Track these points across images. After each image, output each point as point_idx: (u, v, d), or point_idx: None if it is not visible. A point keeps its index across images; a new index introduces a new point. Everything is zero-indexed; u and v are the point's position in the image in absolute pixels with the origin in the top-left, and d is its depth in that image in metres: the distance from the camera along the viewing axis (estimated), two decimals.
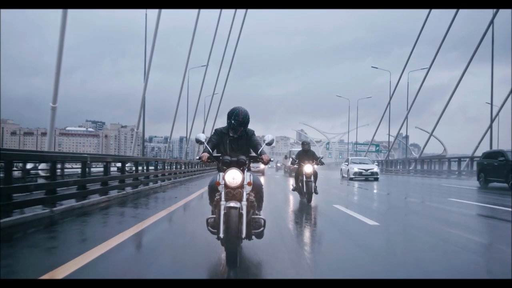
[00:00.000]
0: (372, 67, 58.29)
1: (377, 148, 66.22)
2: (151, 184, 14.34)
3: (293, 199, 10.95)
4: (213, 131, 4.70)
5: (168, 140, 50.28)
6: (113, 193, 10.49)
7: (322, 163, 10.50)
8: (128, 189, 11.75)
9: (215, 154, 4.46)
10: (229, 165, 4.20)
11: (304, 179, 9.85)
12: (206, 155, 4.36)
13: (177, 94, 36.73)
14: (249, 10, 36.54)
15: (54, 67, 16.06)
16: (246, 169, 4.26)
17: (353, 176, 23.82)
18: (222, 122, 58.17)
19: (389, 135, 48.38)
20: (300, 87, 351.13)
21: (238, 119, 4.42)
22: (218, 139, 4.57)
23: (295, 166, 10.58)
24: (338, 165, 60.08)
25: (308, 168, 9.93)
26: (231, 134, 4.55)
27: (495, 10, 27.74)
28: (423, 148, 41.33)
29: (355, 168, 24.17)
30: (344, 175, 25.79)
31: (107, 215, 7.75)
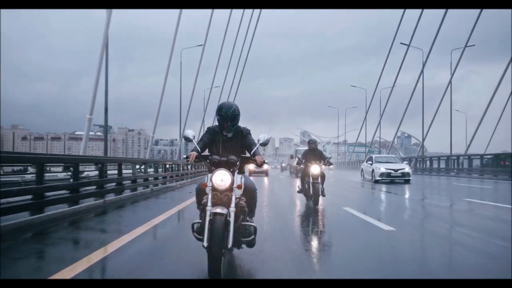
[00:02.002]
0: (351, 85, 56.86)
1: (370, 149, 64.97)
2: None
3: (299, 203, 10.02)
4: (206, 129, 4.20)
5: (179, 143, 48.84)
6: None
7: (330, 164, 9.59)
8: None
9: (204, 153, 3.99)
10: (218, 165, 3.70)
11: (311, 180, 9.07)
12: (194, 154, 3.88)
13: (184, 97, 36.78)
14: (254, 14, 36.51)
15: (92, 83, 17.94)
16: (237, 170, 3.77)
17: (380, 178, 19.26)
18: None
19: (380, 137, 47.63)
20: (303, 89, 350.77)
21: (221, 113, 3.94)
22: (210, 138, 4.09)
23: (301, 166, 9.75)
24: (340, 166, 59.44)
25: (315, 169, 9.11)
26: (224, 133, 4.05)
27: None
28: (421, 145, 40.67)
29: (382, 168, 19.45)
30: (366, 176, 21.35)
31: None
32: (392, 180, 19.19)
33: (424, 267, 4.20)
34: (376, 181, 19.17)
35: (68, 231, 6.42)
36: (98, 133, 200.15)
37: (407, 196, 13.16)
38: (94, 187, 9.55)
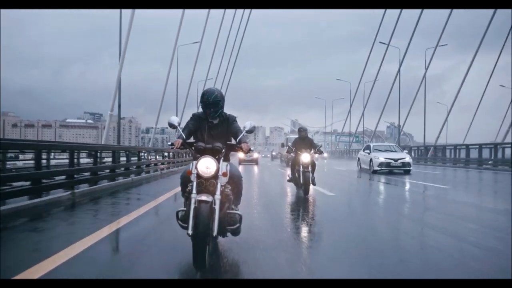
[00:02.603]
0: (336, 79, 57.39)
1: (357, 139, 65.25)
2: None
3: (290, 192, 9.86)
4: (191, 115, 4.12)
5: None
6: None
7: (321, 152, 9.38)
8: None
9: (190, 140, 3.94)
10: (203, 152, 3.64)
11: (301, 169, 8.86)
12: (179, 141, 3.82)
13: (175, 85, 36.76)
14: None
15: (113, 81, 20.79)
16: (223, 158, 3.73)
17: (378, 168, 17.82)
18: None
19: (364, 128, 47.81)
20: (296, 78, 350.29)
21: (203, 100, 3.90)
22: (196, 124, 4.04)
23: (292, 155, 9.57)
24: (332, 155, 59.60)
25: (305, 157, 8.89)
26: (210, 120, 4.00)
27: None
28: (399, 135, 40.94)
29: (381, 158, 17.99)
30: (363, 166, 19.84)
31: None
32: (391, 170, 17.78)
33: None
34: (374, 172, 17.86)
35: (124, 193, 9.92)
36: (89, 121, 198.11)
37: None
38: (108, 170, 11.38)
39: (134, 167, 13.88)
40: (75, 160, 9.86)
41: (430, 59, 34.42)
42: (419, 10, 33.40)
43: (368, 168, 18.69)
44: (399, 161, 17.87)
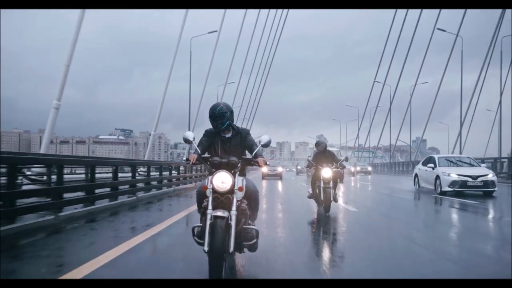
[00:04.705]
0: (347, 105, 57.41)
1: (373, 154, 63.08)
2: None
3: (312, 210, 8.95)
4: (204, 132, 4.03)
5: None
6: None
7: (343, 167, 8.74)
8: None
9: (205, 156, 3.82)
10: (219, 167, 3.52)
11: (322, 184, 8.21)
12: (194, 156, 3.72)
13: (203, 102, 37.53)
14: (277, 18, 37.64)
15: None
16: (238, 172, 3.57)
17: (449, 189, 13.03)
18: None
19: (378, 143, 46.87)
20: (323, 93, 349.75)
21: (210, 114, 3.81)
22: (209, 140, 3.93)
23: (312, 169, 8.82)
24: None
25: (326, 172, 8.19)
26: (222, 134, 3.88)
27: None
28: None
29: (453, 175, 13.11)
30: (423, 184, 15.04)
31: None
32: (465, 191, 13.14)
33: None
34: (443, 193, 13.11)
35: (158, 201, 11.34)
36: (121, 137, 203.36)
37: None
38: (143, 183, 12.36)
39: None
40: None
41: (461, 72, 33.25)
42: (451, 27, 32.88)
43: (433, 188, 13.92)
44: (479, 179, 12.93)
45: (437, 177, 13.63)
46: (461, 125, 33.60)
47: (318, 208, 8.81)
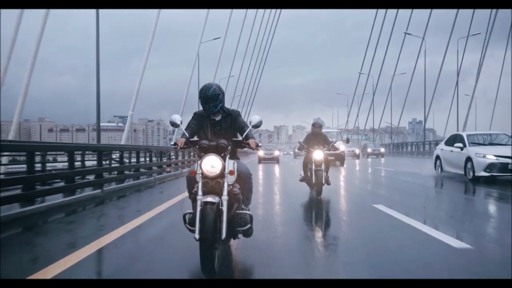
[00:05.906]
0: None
1: (366, 137, 61.26)
2: None
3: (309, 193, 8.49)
4: (192, 115, 3.80)
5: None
6: None
7: (336, 148, 8.36)
8: None
9: (193, 139, 3.64)
10: (208, 151, 3.34)
11: (313, 167, 7.92)
12: (182, 140, 3.56)
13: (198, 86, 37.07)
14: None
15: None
16: (229, 155, 3.43)
17: (485, 174, 10.46)
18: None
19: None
20: (319, 76, 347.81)
21: (202, 95, 3.63)
22: (198, 123, 3.76)
23: (303, 151, 8.50)
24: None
25: (317, 154, 7.93)
26: (212, 117, 3.73)
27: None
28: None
29: (490, 155, 10.50)
30: (447, 168, 12.56)
31: None
32: (503, 176, 10.51)
33: None
34: (476, 178, 10.71)
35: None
36: (120, 124, 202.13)
37: None
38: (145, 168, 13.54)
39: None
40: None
41: (464, 50, 33.13)
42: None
43: (463, 172, 11.32)
44: None
45: (468, 159, 10.98)
46: (472, 100, 33.90)
47: (310, 192, 8.49)
